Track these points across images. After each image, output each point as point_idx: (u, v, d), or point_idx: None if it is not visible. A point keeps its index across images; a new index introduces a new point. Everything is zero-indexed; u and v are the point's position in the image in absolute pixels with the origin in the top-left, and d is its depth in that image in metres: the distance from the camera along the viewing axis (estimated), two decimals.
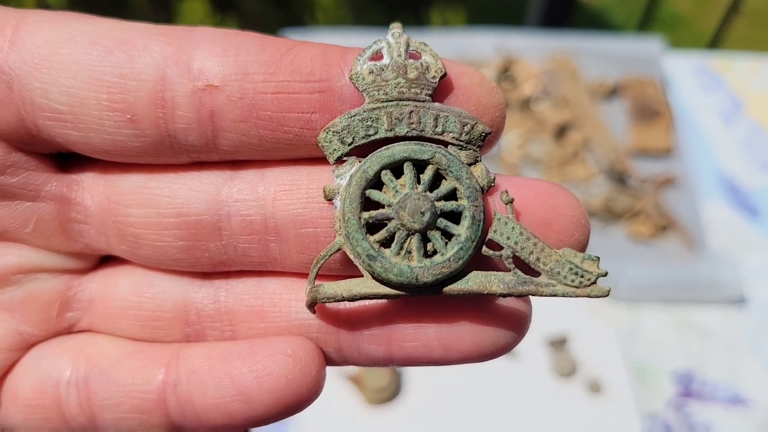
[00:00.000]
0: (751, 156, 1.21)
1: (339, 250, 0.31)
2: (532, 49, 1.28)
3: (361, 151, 0.32)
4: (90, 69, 0.29)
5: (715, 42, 1.55)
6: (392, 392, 0.92)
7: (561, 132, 1.18)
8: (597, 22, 2.38)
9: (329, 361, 0.34)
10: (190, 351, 0.34)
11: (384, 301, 0.33)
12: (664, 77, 1.27)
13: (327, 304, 0.33)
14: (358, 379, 0.92)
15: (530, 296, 0.33)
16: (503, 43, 1.28)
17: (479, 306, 0.33)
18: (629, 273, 1.02)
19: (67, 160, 0.33)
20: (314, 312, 0.33)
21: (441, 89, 0.31)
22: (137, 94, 0.30)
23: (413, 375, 0.95)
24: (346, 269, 0.33)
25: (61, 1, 2.03)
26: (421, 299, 0.32)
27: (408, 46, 0.32)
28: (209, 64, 0.30)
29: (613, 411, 0.92)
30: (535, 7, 1.58)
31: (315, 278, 0.32)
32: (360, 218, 0.31)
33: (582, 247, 0.32)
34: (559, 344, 0.96)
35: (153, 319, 0.34)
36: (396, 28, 0.32)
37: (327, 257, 0.32)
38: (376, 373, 0.92)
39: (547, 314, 1.00)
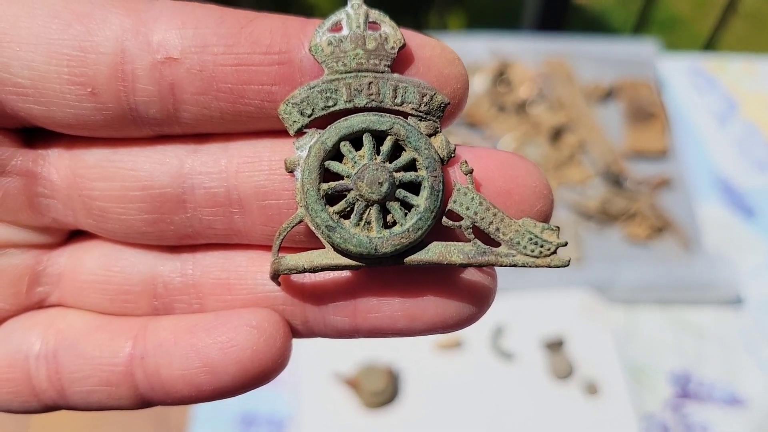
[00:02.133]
0: (745, 156, 1.22)
1: (301, 221, 0.32)
2: (527, 53, 1.28)
3: (322, 122, 0.32)
4: (50, 42, 0.29)
5: (713, 43, 1.55)
6: (389, 396, 0.92)
7: (557, 135, 1.19)
8: (595, 25, 2.38)
9: (296, 333, 0.35)
10: (157, 324, 0.34)
11: (348, 273, 0.33)
12: (658, 79, 1.28)
13: (292, 277, 0.33)
14: (355, 383, 0.92)
15: (494, 268, 0.33)
16: (498, 46, 1.29)
17: (443, 278, 0.33)
18: (626, 274, 1.03)
19: (33, 134, 0.33)
20: (279, 284, 0.33)
21: (401, 61, 0.31)
22: (97, 67, 0.30)
23: (410, 378, 0.95)
24: (310, 241, 0.33)
25: None
26: (384, 271, 0.33)
27: (367, 17, 0.31)
28: (168, 36, 0.30)
29: (610, 412, 0.93)
30: (530, 10, 1.59)
31: (278, 250, 0.32)
32: (319, 189, 0.31)
33: (545, 218, 0.32)
34: (555, 346, 0.97)
35: (121, 292, 0.35)
36: None
37: (289, 229, 0.32)
38: (373, 377, 0.92)
39: (544, 316, 1.00)
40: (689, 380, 0.97)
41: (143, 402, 0.34)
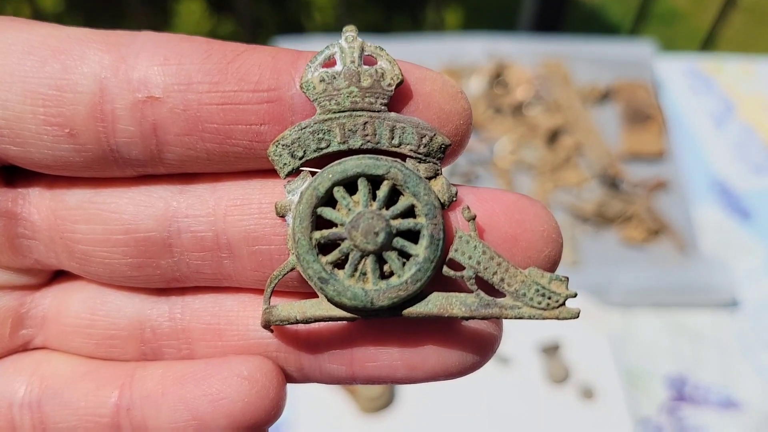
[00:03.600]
0: (742, 159, 1.22)
1: (293, 269, 0.30)
2: (523, 54, 1.28)
3: (315, 164, 0.30)
4: (24, 81, 0.28)
5: (712, 38, 1.54)
6: (386, 401, 0.93)
7: (553, 137, 1.18)
8: (593, 20, 2.38)
9: (290, 378, 0.33)
10: (145, 372, 0.32)
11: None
12: (655, 80, 1.28)
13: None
14: (352, 388, 0.93)
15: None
16: (495, 48, 1.29)
17: (444, 326, 0.32)
18: (622, 278, 1.03)
19: (12, 173, 0.32)
20: (271, 331, 0.32)
21: (399, 97, 0.30)
22: (74, 107, 0.28)
23: None
24: (303, 286, 0.31)
25: (58, 5, 2.03)
26: (382, 319, 0.31)
27: (362, 50, 0.30)
28: (150, 73, 0.28)
29: (606, 416, 0.93)
30: (527, 10, 1.58)
31: (270, 297, 0.31)
32: (311, 238, 0.30)
33: (553, 264, 0.30)
34: (551, 350, 0.97)
35: (107, 337, 0.33)
36: (350, 30, 0.30)
37: (281, 277, 0.30)
38: None
39: (540, 321, 1.00)
40: (685, 384, 0.97)
41: None
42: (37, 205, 0.32)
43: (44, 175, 0.31)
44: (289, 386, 0.34)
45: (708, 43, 1.56)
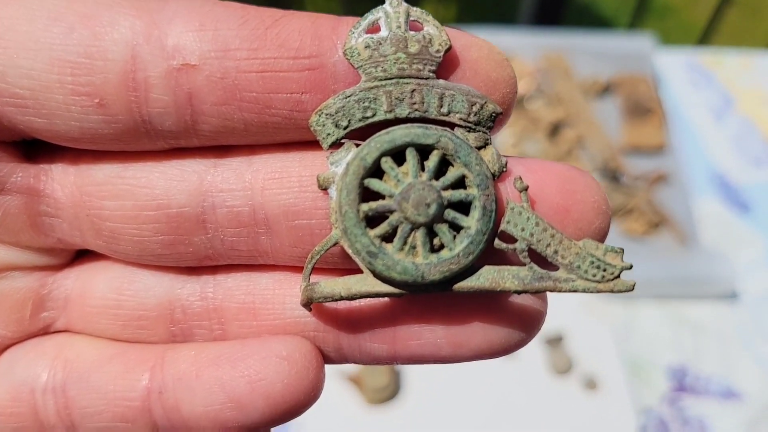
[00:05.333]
0: (742, 152, 1.23)
1: (336, 244, 0.29)
2: (524, 48, 1.28)
3: (358, 134, 0.29)
4: (51, 48, 0.26)
5: (707, 33, 1.55)
6: (392, 392, 0.93)
7: (555, 130, 1.19)
8: (588, 14, 2.38)
9: (328, 359, 0.32)
10: (176, 353, 0.31)
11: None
12: (656, 74, 1.28)
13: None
14: (358, 379, 0.93)
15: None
16: (496, 41, 1.28)
17: (491, 302, 0.30)
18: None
19: (34, 147, 0.30)
20: (310, 310, 0.30)
21: (445, 64, 0.28)
22: (105, 75, 0.26)
23: (412, 374, 0.96)
24: (345, 262, 0.30)
25: None
26: (426, 295, 0.30)
27: (408, 15, 0.28)
28: (185, 39, 0.27)
29: (608, 407, 0.94)
30: (527, 4, 1.59)
31: (310, 274, 0.29)
32: (359, 211, 0.28)
33: (603, 236, 0.29)
34: (555, 342, 0.98)
35: (135, 318, 0.32)
36: None
37: (323, 252, 0.29)
38: (375, 373, 0.93)
39: None
40: (686, 374, 0.98)
41: None
42: (60, 181, 0.30)
43: (68, 149, 0.30)
44: None
45: (703, 38, 1.57)
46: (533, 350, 0.98)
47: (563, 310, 1.01)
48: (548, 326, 1.00)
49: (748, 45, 1.48)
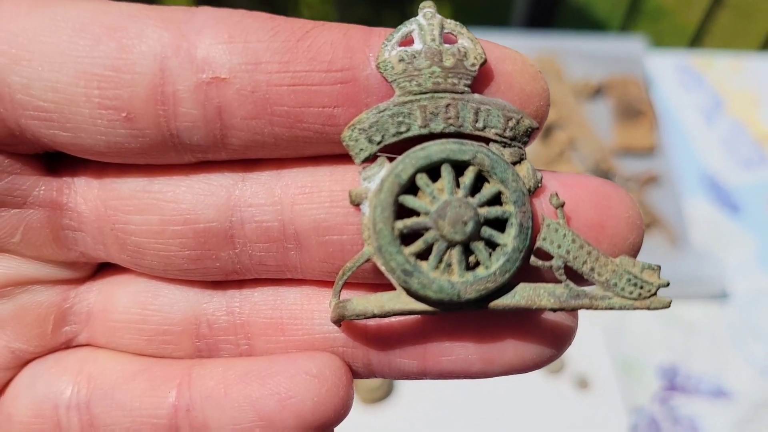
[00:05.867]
0: (732, 153, 1.23)
1: (368, 260, 0.28)
2: (517, 50, 1.29)
3: (391, 149, 0.28)
4: (77, 60, 0.26)
5: (699, 35, 1.56)
6: (385, 391, 0.93)
7: (547, 132, 1.20)
8: (580, 17, 2.39)
9: (356, 375, 0.31)
10: (203, 370, 0.30)
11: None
12: (647, 76, 1.29)
13: None
14: None
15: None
16: None
17: (523, 318, 0.30)
18: None
19: (57, 160, 0.30)
20: (340, 326, 0.30)
21: (479, 77, 0.28)
22: (133, 89, 0.26)
23: None
24: (375, 277, 0.29)
25: None
26: (459, 312, 0.29)
27: (442, 28, 0.28)
28: (215, 52, 0.26)
29: (600, 405, 0.94)
30: (519, 6, 1.59)
31: (341, 291, 0.29)
32: (393, 228, 0.27)
33: (636, 251, 0.29)
34: None
35: (160, 333, 0.31)
36: (428, 6, 0.28)
37: (354, 269, 0.28)
38: None
39: None
40: (677, 374, 0.99)
41: None
42: (84, 194, 0.30)
43: (91, 162, 0.29)
44: None
45: (695, 39, 1.58)
46: None
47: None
48: None
49: (740, 47, 1.49)
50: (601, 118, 1.23)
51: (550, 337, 0.30)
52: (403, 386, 0.95)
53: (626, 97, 1.23)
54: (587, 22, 2.36)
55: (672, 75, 1.33)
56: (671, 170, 1.18)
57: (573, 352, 0.98)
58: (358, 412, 0.92)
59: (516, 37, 1.34)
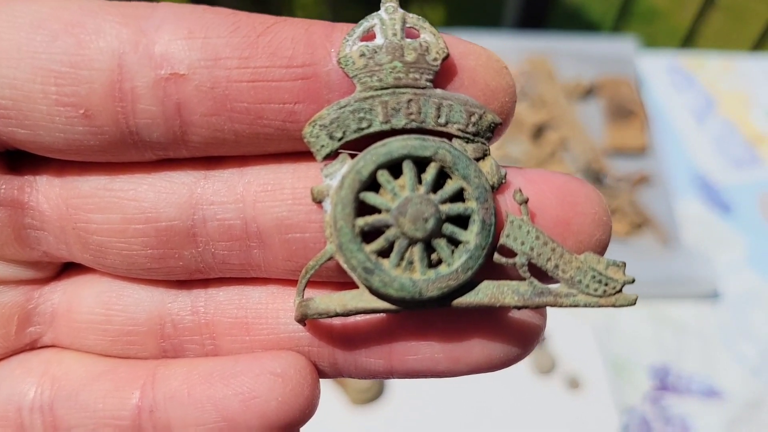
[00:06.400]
0: (723, 153, 1.24)
1: (330, 258, 0.28)
2: (508, 50, 1.29)
3: (353, 145, 0.28)
4: (34, 57, 0.25)
5: (691, 36, 1.57)
6: (376, 392, 0.93)
7: (538, 132, 1.20)
8: (574, 18, 2.40)
9: (322, 374, 0.31)
10: (167, 370, 0.30)
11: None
12: (638, 77, 1.29)
13: None
14: (342, 380, 0.93)
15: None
16: (480, 44, 1.29)
17: (489, 316, 0.29)
18: None
19: (18, 158, 0.29)
20: (305, 326, 0.29)
21: (442, 72, 0.27)
22: (90, 85, 0.26)
23: None
24: (340, 276, 0.29)
25: None
26: (424, 310, 0.29)
27: (404, 22, 0.27)
28: (174, 48, 0.26)
29: (591, 406, 0.94)
30: (511, 7, 1.60)
31: (304, 289, 0.28)
32: (354, 226, 0.27)
33: (603, 248, 0.29)
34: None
35: (124, 333, 0.31)
36: (390, 1, 0.28)
37: (317, 267, 0.28)
38: None
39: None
40: (668, 373, 0.99)
41: None
42: (45, 193, 0.29)
43: (53, 160, 0.29)
44: None
45: (688, 40, 1.58)
46: None
47: (546, 310, 1.02)
48: None
49: (733, 48, 1.49)
50: (592, 119, 1.23)
51: (517, 336, 0.30)
52: (394, 387, 0.95)
53: (618, 98, 1.24)
54: (580, 23, 2.36)
55: (663, 75, 1.33)
56: (662, 170, 1.18)
57: (564, 352, 0.98)
58: (348, 413, 0.92)
59: (508, 37, 1.34)
